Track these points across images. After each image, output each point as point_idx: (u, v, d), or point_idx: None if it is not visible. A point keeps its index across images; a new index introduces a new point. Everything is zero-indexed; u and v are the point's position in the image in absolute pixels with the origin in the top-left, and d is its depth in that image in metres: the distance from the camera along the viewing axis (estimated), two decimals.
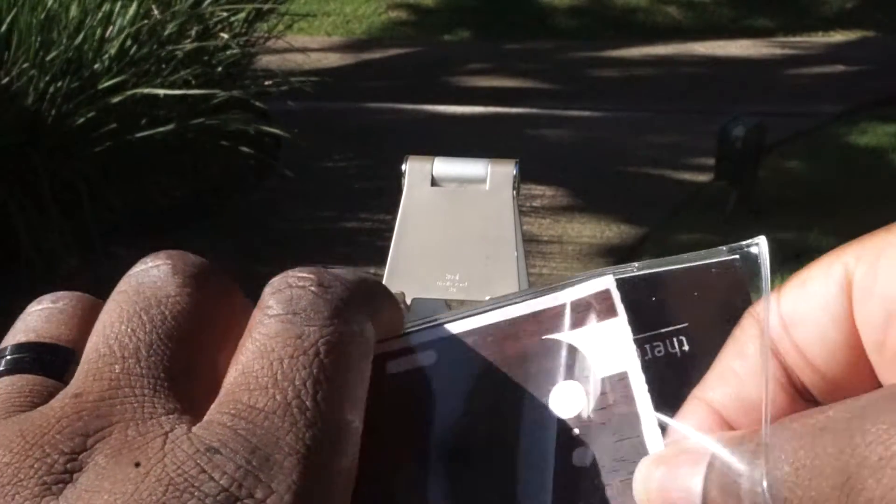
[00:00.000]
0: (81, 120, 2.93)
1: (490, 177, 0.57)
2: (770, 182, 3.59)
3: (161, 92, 3.07)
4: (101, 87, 3.00)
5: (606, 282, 0.31)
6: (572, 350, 0.31)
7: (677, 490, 0.28)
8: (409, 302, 0.57)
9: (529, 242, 3.10)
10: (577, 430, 0.30)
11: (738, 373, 0.29)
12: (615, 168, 3.84)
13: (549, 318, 0.31)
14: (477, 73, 5.15)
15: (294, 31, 4.52)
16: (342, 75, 4.83)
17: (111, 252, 2.96)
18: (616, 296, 0.30)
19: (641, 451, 0.29)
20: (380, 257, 0.56)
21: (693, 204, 3.54)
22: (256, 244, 3.17)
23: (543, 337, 0.31)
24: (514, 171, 0.56)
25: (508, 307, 0.32)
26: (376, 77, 5.04)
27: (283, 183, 3.47)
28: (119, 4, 3.12)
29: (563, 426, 0.30)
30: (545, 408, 0.30)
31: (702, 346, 0.30)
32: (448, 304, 0.57)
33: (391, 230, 0.56)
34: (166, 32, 3.22)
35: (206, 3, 3.40)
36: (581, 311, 0.31)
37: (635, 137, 4.15)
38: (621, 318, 0.30)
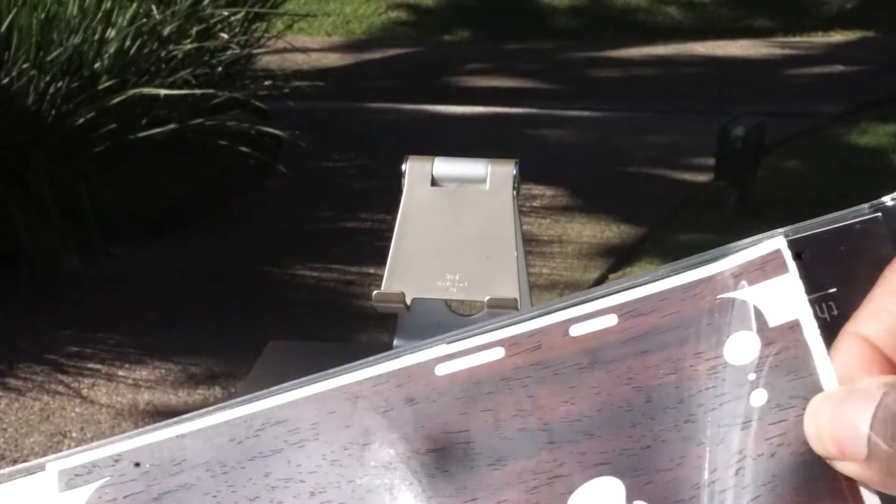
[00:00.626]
0: (81, 120, 2.93)
1: (490, 177, 0.57)
2: (770, 182, 3.59)
3: (161, 92, 3.07)
4: (101, 87, 3.00)
5: (778, 242, 0.35)
6: (746, 305, 0.34)
7: (845, 426, 0.31)
8: (409, 302, 0.57)
9: (529, 242, 3.10)
10: (752, 375, 0.33)
11: (890, 310, 0.32)
12: (615, 168, 3.84)
13: (724, 279, 0.35)
14: (477, 73, 5.14)
15: (294, 31, 4.52)
16: (342, 75, 4.83)
17: (111, 252, 2.96)
18: (787, 254, 0.34)
19: (815, 388, 0.33)
20: (380, 257, 0.56)
21: (693, 204, 3.54)
22: (256, 244, 3.17)
23: (719, 296, 0.35)
24: (514, 171, 0.57)
25: (685, 273, 0.35)
26: (376, 77, 5.04)
27: (283, 183, 3.47)
28: (119, 4, 3.12)
29: (738, 371, 0.34)
30: (720, 357, 0.34)
31: (851, 310, 0.33)
32: (448, 304, 0.57)
33: (391, 230, 0.56)
34: (166, 32, 3.22)
35: (206, 3, 3.40)
36: (754, 271, 0.35)
37: (635, 137, 4.15)
38: (792, 273, 0.34)
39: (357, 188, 3.53)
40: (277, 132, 3.47)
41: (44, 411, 2.33)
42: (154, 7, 3.22)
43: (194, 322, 2.68)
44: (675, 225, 3.36)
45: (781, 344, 0.34)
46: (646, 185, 3.70)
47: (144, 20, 3.15)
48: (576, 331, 0.35)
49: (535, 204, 3.45)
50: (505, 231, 0.56)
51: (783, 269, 0.34)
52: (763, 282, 0.34)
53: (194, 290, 2.86)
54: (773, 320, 0.34)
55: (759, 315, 0.34)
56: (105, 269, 2.89)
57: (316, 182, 3.60)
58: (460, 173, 0.57)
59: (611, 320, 0.35)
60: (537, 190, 3.54)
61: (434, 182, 0.57)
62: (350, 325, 2.66)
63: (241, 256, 3.09)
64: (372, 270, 2.94)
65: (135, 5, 3.14)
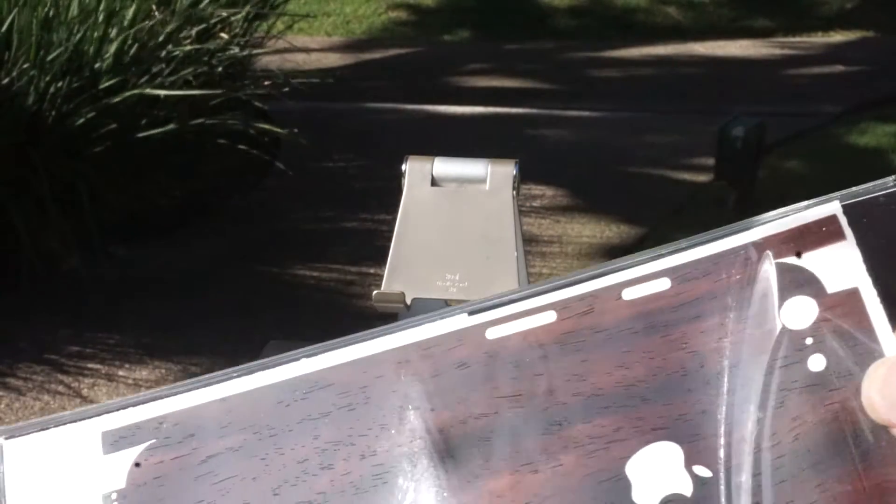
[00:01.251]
0: (81, 120, 2.93)
1: (490, 177, 0.57)
2: (770, 182, 3.59)
3: (161, 92, 3.07)
4: (101, 87, 3.00)
5: (833, 207, 0.35)
6: (802, 270, 0.34)
7: (892, 394, 0.31)
8: (409, 302, 0.57)
9: (529, 242, 3.10)
10: (809, 340, 0.33)
11: None
12: (615, 168, 3.84)
13: (779, 243, 0.35)
14: (477, 73, 5.14)
15: (294, 32, 4.51)
16: (342, 75, 4.83)
17: (111, 252, 2.96)
18: (843, 220, 0.34)
19: (875, 356, 0.33)
20: (380, 257, 0.56)
21: (693, 204, 3.54)
22: (256, 244, 3.17)
23: (775, 260, 0.34)
24: (514, 171, 0.56)
25: (738, 235, 0.35)
26: (376, 77, 5.04)
27: (283, 183, 3.47)
28: (119, 4, 3.12)
29: (796, 336, 0.34)
30: (776, 320, 0.34)
31: (878, 280, 0.33)
32: (448, 304, 0.57)
33: (391, 230, 0.56)
34: (166, 32, 3.22)
35: (206, 3, 3.40)
36: (809, 236, 0.35)
37: (635, 137, 4.15)
38: (850, 240, 0.34)
39: (357, 188, 3.53)
40: (277, 131, 3.47)
41: (44, 411, 2.33)
42: (154, 7, 3.22)
43: (194, 322, 2.68)
44: (675, 225, 3.36)
45: (840, 310, 0.33)
46: (646, 185, 3.70)
47: (144, 20, 3.15)
48: (628, 294, 0.34)
49: (535, 204, 3.45)
50: (505, 231, 0.56)
51: (840, 235, 0.34)
52: (820, 248, 0.34)
53: (194, 290, 2.86)
54: (831, 287, 0.34)
55: (816, 281, 0.34)
56: (105, 269, 2.89)
57: (316, 182, 3.60)
58: (460, 173, 0.57)
59: (664, 284, 0.34)
60: (537, 190, 3.54)
61: (434, 182, 0.57)
62: (350, 325, 2.65)
63: (241, 256, 3.08)
64: (372, 270, 2.94)
65: (135, 5, 3.13)
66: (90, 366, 2.50)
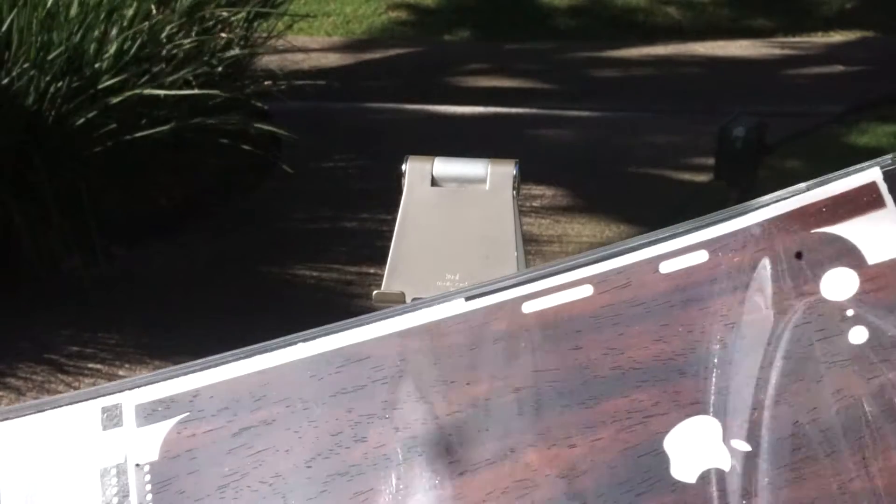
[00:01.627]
0: (81, 120, 2.93)
1: (490, 177, 0.57)
2: (770, 182, 3.58)
3: (161, 92, 3.07)
4: (101, 87, 3.00)
5: (873, 174, 0.33)
6: (841, 240, 0.33)
7: None
8: (409, 302, 0.57)
9: (529, 242, 3.10)
10: (851, 311, 0.32)
11: None
12: (615, 168, 3.84)
13: (817, 213, 0.34)
14: (477, 73, 5.14)
15: (294, 32, 4.51)
16: (342, 75, 4.83)
17: (111, 252, 2.96)
18: (883, 187, 0.33)
19: None
20: (380, 257, 0.56)
21: (693, 204, 3.54)
22: (256, 244, 3.17)
23: (813, 230, 0.33)
24: (514, 172, 0.56)
25: (776, 204, 0.34)
26: (376, 77, 5.04)
27: (284, 183, 3.47)
28: (119, 4, 3.12)
29: (836, 308, 0.33)
30: (816, 292, 0.33)
31: None
32: None
33: (391, 230, 0.56)
34: (166, 32, 3.22)
35: (206, 2, 3.40)
36: (849, 204, 0.33)
37: (635, 137, 4.15)
38: (890, 209, 0.33)
39: (357, 188, 3.53)
40: (277, 131, 3.47)
41: None
42: (154, 7, 3.22)
43: (194, 322, 2.68)
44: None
45: (882, 281, 0.32)
46: (646, 185, 3.70)
47: (145, 20, 3.15)
48: (666, 267, 0.34)
49: (535, 204, 3.45)
50: (505, 231, 0.56)
51: (880, 203, 0.33)
52: (858, 217, 0.33)
53: (194, 290, 2.86)
54: (872, 257, 0.33)
55: (856, 251, 0.33)
56: (105, 269, 2.89)
57: (316, 182, 3.60)
58: (460, 173, 0.57)
59: (701, 256, 0.34)
60: (537, 190, 3.54)
61: (434, 182, 0.57)
62: None
63: (241, 256, 3.08)
64: (372, 270, 2.94)
65: (135, 5, 3.13)
66: (90, 366, 2.50)
